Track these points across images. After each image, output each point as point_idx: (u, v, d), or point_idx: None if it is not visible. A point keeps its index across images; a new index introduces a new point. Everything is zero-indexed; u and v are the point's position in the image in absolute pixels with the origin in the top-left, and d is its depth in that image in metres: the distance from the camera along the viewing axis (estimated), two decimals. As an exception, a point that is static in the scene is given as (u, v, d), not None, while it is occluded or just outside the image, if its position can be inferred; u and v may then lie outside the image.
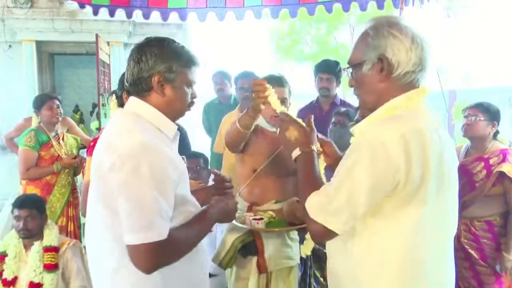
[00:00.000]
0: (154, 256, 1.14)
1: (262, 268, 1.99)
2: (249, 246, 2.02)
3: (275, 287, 2.04)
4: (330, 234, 1.15)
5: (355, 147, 1.15)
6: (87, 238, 1.33)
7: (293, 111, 1.76)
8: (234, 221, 1.85)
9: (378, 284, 1.18)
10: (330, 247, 1.32)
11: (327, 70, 3.23)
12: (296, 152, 1.32)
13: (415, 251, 1.17)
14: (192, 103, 1.35)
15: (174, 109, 1.30)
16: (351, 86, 1.28)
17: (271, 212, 1.95)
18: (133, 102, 1.29)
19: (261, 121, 2.10)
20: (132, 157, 1.13)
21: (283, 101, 1.97)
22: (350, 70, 1.26)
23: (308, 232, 1.23)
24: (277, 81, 2.02)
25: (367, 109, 1.26)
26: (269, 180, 2.06)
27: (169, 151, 1.22)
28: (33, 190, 2.92)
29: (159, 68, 1.24)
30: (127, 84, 1.30)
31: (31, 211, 2.35)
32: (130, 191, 1.14)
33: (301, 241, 2.25)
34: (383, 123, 1.15)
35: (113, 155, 1.16)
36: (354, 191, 1.10)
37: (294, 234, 2.11)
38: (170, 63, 1.25)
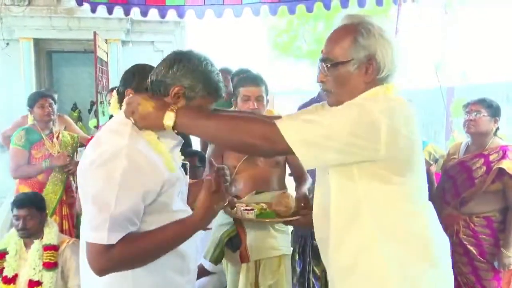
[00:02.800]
0: (100, 258, 1.13)
1: (244, 258, 2.05)
2: (235, 239, 2.08)
3: (263, 278, 2.09)
4: (281, 147, 1.07)
5: (340, 106, 1.14)
6: (81, 234, 1.33)
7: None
8: (223, 212, 1.88)
9: (386, 252, 1.17)
10: (320, 225, 1.31)
11: None
12: (169, 117, 1.12)
13: (414, 210, 1.21)
14: None
15: None
16: (321, 81, 1.25)
17: (263, 204, 1.97)
18: None
19: None
20: (111, 159, 1.13)
21: (258, 99, 2.09)
22: (328, 67, 1.21)
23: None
24: (253, 81, 2.13)
25: (335, 105, 1.25)
26: (249, 173, 2.15)
27: (158, 159, 1.19)
28: (25, 189, 2.89)
29: (183, 82, 1.21)
30: (149, 80, 1.28)
31: (30, 210, 2.34)
32: (96, 190, 1.14)
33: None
34: (365, 99, 1.16)
35: (95, 152, 1.17)
36: (334, 131, 1.07)
37: (281, 225, 2.15)
38: (196, 84, 1.22)
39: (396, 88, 1.22)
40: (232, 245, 2.09)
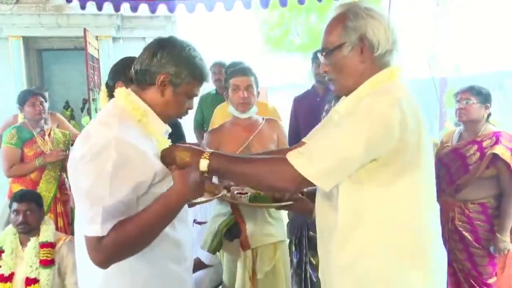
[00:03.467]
0: (96, 250, 1.14)
1: (245, 246, 2.08)
2: (234, 229, 2.10)
3: (261, 265, 2.11)
4: (305, 183, 1.14)
5: (349, 114, 1.14)
6: (75, 229, 1.34)
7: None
8: (218, 201, 1.87)
9: (385, 255, 1.18)
10: (323, 220, 1.31)
11: None
12: (203, 164, 1.19)
13: (419, 216, 1.20)
14: (185, 113, 1.35)
15: (167, 112, 1.29)
16: (324, 72, 1.29)
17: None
18: (126, 97, 1.27)
19: (231, 109, 2.23)
20: (101, 152, 1.13)
21: (247, 88, 2.15)
22: (324, 55, 1.26)
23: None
24: (242, 71, 2.20)
25: (342, 93, 1.28)
26: None
27: (148, 150, 1.20)
28: (18, 188, 2.87)
29: (169, 69, 1.23)
30: (132, 70, 1.28)
31: (30, 205, 2.34)
32: (88, 184, 1.14)
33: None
34: (374, 95, 1.16)
35: (85, 146, 1.16)
36: (350, 151, 1.10)
37: (276, 213, 2.18)
38: (182, 70, 1.24)
39: (400, 72, 1.22)
40: (230, 234, 2.10)
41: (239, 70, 2.22)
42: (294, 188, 1.21)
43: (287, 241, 2.45)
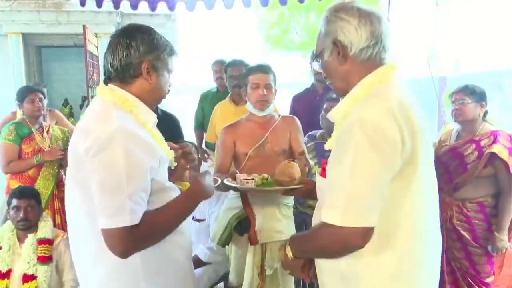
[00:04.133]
0: (126, 240, 1.15)
1: (253, 240, 2.07)
2: (244, 223, 2.10)
3: (271, 260, 2.12)
4: (370, 232, 1.11)
5: (347, 136, 1.11)
6: (69, 226, 1.34)
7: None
8: (225, 180, 1.88)
9: (378, 263, 1.16)
10: (318, 215, 1.27)
11: None
12: (289, 251, 1.33)
13: (414, 218, 1.18)
14: (168, 91, 1.39)
15: (156, 97, 1.35)
16: (324, 77, 1.33)
17: (265, 175, 1.94)
18: (111, 92, 1.28)
19: (248, 106, 2.24)
20: (108, 142, 1.14)
21: (267, 86, 2.15)
22: (316, 61, 1.31)
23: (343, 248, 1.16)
24: (261, 68, 2.20)
25: (340, 94, 1.31)
26: (259, 159, 2.18)
27: (147, 138, 1.24)
28: (16, 184, 2.88)
29: (148, 55, 1.27)
30: (110, 69, 1.28)
31: (30, 201, 2.35)
32: (103, 176, 1.15)
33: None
34: (365, 103, 1.15)
35: (88, 139, 1.16)
36: (372, 179, 1.08)
37: (286, 211, 2.19)
38: (158, 52, 1.29)
39: (394, 70, 1.21)
40: (240, 228, 2.12)
41: (259, 67, 2.21)
42: (365, 242, 1.13)
43: None
